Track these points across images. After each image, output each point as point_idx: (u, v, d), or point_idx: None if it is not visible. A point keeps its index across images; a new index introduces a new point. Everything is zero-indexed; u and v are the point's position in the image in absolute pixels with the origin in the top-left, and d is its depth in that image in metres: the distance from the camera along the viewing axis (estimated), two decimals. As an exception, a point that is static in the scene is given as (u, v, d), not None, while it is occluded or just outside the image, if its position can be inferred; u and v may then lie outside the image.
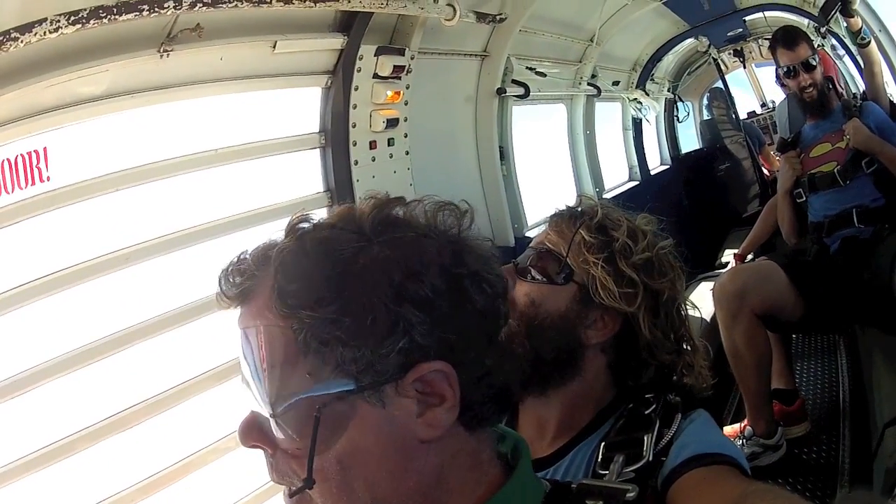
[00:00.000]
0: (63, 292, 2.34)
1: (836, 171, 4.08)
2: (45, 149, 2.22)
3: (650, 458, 1.35)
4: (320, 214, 1.01)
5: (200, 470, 2.64)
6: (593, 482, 1.21)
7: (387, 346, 0.88)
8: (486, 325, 0.97)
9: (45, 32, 1.89)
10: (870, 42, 5.07)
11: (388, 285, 0.89)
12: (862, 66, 5.42)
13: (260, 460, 0.97)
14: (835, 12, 5.04)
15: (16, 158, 2.15)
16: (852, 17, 4.92)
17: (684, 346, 1.66)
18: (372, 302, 0.88)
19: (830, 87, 4.26)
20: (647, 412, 1.47)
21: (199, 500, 2.69)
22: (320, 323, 0.88)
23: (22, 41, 1.85)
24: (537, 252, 1.65)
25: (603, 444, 1.44)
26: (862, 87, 6.78)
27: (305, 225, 0.98)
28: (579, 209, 1.71)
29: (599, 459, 1.41)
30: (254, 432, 0.94)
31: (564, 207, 1.75)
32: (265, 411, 0.91)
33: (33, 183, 2.20)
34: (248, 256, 0.98)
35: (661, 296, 1.61)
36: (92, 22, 1.97)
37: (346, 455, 0.90)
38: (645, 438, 1.39)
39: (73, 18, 1.93)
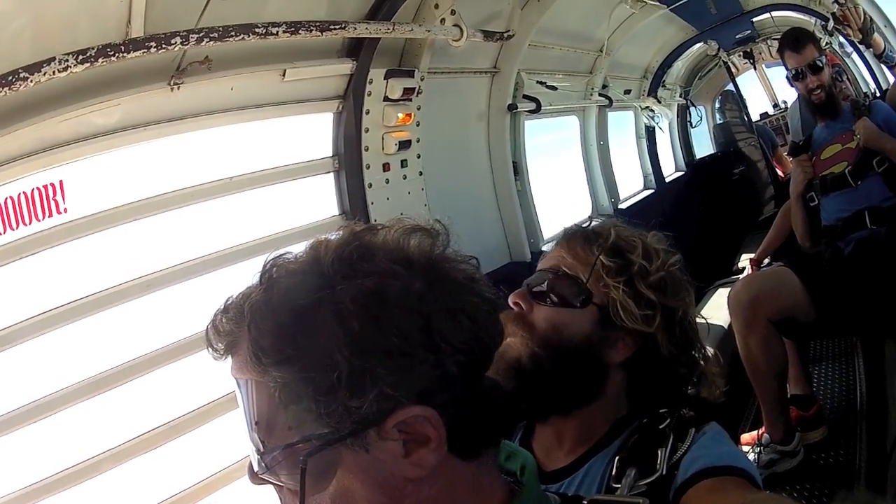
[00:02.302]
0: (83, 320, 2.36)
1: (846, 171, 4.05)
2: (61, 182, 2.26)
3: (663, 472, 1.36)
4: (299, 250, 0.98)
5: (221, 490, 2.65)
6: (605, 497, 1.26)
7: (357, 399, 0.85)
8: (469, 358, 0.92)
9: (53, 71, 1.91)
10: None
11: (348, 337, 0.86)
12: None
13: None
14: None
15: (32, 191, 2.19)
16: (870, 46, 4.91)
17: (698, 359, 1.66)
18: (334, 358, 0.85)
19: (839, 80, 4.23)
20: (661, 426, 1.48)
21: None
22: (291, 381, 0.87)
23: (32, 80, 1.88)
24: (554, 275, 1.63)
25: (617, 458, 1.44)
26: (872, 85, 6.77)
27: (275, 271, 0.95)
28: (592, 230, 1.70)
29: (613, 473, 1.42)
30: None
31: (575, 227, 1.74)
32: (256, 461, 0.92)
33: (51, 215, 2.24)
34: (231, 305, 0.96)
35: (676, 313, 1.61)
36: (100, 60, 1.99)
37: (338, 497, 0.90)
38: (659, 452, 1.40)
39: (80, 57, 1.95)
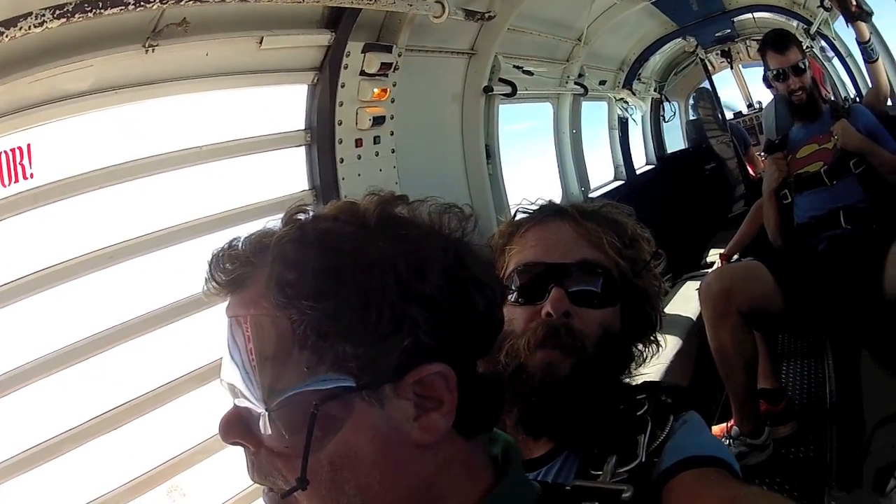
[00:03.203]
0: (46, 292, 2.30)
1: (822, 171, 4.12)
2: (28, 145, 2.18)
3: (643, 459, 1.35)
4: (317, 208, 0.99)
5: (188, 471, 2.62)
6: (587, 483, 1.22)
7: (389, 344, 0.85)
8: (486, 330, 0.97)
9: (30, 26, 1.86)
10: (878, 59, 5.13)
11: (395, 282, 0.86)
12: (868, 81, 5.49)
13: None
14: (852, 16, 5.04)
15: (-1, 155, 2.14)
16: (865, 21, 4.94)
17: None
18: (377, 298, 0.85)
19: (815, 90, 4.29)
20: (639, 413, 1.47)
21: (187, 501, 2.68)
22: (320, 315, 0.85)
23: (7, 35, 1.83)
24: (597, 271, 1.58)
25: (596, 445, 1.43)
26: (852, 91, 6.85)
27: (303, 216, 0.96)
28: (613, 218, 1.68)
29: (592, 460, 1.40)
30: (236, 428, 0.90)
31: (590, 208, 1.71)
32: (258, 407, 0.88)
33: (16, 180, 2.16)
34: (240, 243, 0.94)
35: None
36: (77, 16, 1.95)
37: (338, 456, 0.87)
38: (639, 439, 1.39)
39: (58, 12, 1.91)
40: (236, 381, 0.90)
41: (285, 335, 0.86)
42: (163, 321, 2.59)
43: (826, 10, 6.04)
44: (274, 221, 0.98)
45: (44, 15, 1.89)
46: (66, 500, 2.37)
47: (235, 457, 0.98)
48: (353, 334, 0.85)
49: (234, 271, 0.92)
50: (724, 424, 3.87)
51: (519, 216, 1.76)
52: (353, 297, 0.85)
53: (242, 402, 0.90)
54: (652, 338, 1.67)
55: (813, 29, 6.73)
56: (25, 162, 2.18)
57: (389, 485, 0.89)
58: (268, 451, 0.89)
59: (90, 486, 2.39)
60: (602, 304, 1.55)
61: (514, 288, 1.59)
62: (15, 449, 2.19)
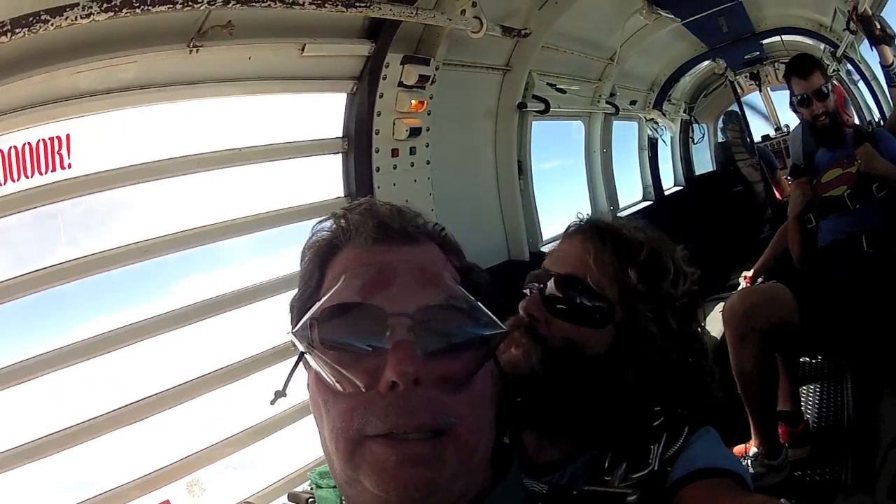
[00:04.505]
0: (80, 280, 2.33)
1: (845, 195, 4.08)
2: (67, 136, 2.21)
3: (655, 467, 1.35)
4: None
5: (208, 467, 2.61)
6: (595, 487, 1.28)
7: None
8: None
9: (76, 17, 1.87)
10: None
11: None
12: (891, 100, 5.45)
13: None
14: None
15: (37, 143, 2.15)
16: (889, 45, 4.93)
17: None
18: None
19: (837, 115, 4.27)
20: (655, 424, 1.46)
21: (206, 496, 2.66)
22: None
23: (52, 24, 1.83)
24: (578, 288, 1.53)
25: (610, 452, 1.42)
26: (877, 114, 6.80)
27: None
28: (625, 238, 1.59)
29: (605, 466, 1.39)
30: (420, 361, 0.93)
31: (603, 226, 1.63)
32: (479, 331, 0.98)
33: (54, 169, 2.19)
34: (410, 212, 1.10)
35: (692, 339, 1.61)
36: (125, 11, 1.95)
37: (485, 394, 0.99)
38: (652, 448, 1.39)
39: (105, 6, 1.91)
40: (451, 317, 0.98)
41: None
42: (190, 318, 2.59)
43: (852, 33, 6.00)
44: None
45: (91, 7, 1.89)
46: (84, 487, 2.36)
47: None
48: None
49: (419, 230, 1.07)
50: (743, 445, 3.84)
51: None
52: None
53: (457, 332, 0.98)
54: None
55: (839, 52, 6.69)
56: (64, 151, 2.20)
57: (492, 432, 1.01)
58: (439, 384, 0.93)
59: (109, 475, 2.40)
60: (574, 319, 1.51)
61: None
62: (37, 434, 2.20)
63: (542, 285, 1.56)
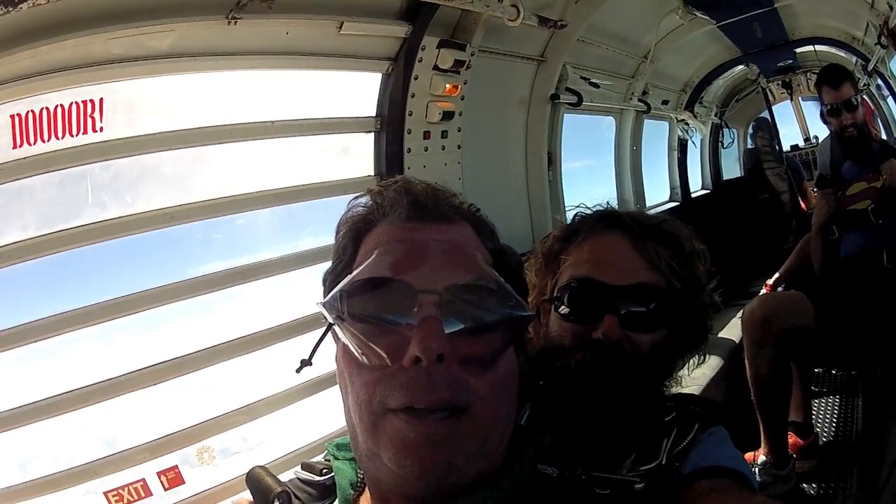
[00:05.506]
0: (105, 242, 2.35)
1: (869, 209, 4.11)
2: (101, 100, 2.22)
3: (664, 461, 1.39)
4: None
5: (220, 435, 2.61)
6: (603, 474, 1.32)
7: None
8: None
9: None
10: None
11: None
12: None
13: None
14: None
15: (70, 106, 2.16)
16: None
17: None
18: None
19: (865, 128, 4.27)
20: (667, 419, 1.49)
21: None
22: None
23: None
24: (648, 296, 1.51)
25: (621, 442, 1.46)
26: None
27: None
28: (671, 233, 1.61)
29: (615, 455, 1.43)
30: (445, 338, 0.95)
31: (651, 223, 1.63)
32: (506, 313, 1.02)
33: (85, 132, 2.20)
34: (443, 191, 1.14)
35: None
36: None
37: (508, 376, 1.03)
38: (662, 442, 1.42)
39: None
40: (479, 297, 1.01)
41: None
42: (213, 285, 2.60)
43: (883, 47, 5.95)
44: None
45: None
46: (94, 445, 2.37)
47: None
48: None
49: (454, 210, 1.11)
50: (752, 453, 3.84)
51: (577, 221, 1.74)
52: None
53: (484, 313, 1.01)
54: (698, 350, 1.67)
55: (870, 66, 6.63)
56: (96, 115, 2.21)
57: (513, 416, 1.07)
58: (465, 363, 0.97)
59: (120, 437, 2.41)
60: (654, 328, 1.51)
61: (565, 303, 1.55)
62: (52, 391, 2.22)
63: (609, 304, 1.50)
